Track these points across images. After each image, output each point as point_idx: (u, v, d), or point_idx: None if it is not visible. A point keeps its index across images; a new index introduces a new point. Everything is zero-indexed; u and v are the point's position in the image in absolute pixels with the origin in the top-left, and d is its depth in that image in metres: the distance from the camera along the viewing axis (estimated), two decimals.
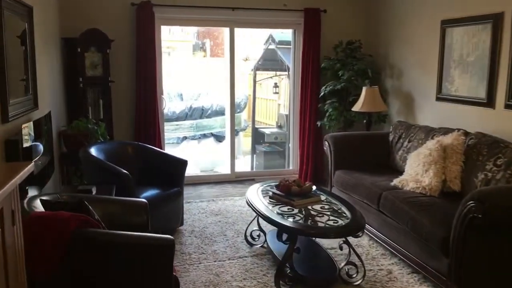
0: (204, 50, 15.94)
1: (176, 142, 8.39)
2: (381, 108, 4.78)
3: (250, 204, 3.30)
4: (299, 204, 3.10)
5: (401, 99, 4.90)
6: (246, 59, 7.87)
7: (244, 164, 8.05)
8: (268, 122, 9.95)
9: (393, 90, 5.02)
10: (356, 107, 4.81)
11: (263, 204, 3.20)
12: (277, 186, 3.31)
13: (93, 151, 3.66)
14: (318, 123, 5.35)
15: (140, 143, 4.20)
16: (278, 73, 7.60)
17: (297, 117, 5.65)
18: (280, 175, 5.71)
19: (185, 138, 8.35)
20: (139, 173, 3.94)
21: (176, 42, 14.18)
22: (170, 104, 8.49)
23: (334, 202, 3.26)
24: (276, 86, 7.93)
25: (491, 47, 3.56)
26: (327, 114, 5.21)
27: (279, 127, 7.61)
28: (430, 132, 3.83)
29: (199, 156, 8.43)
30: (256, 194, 3.46)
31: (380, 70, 5.21)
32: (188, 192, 5.03)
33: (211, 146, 8.70)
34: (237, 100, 9.14)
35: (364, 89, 4.77)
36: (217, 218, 4.29)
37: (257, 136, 7.86)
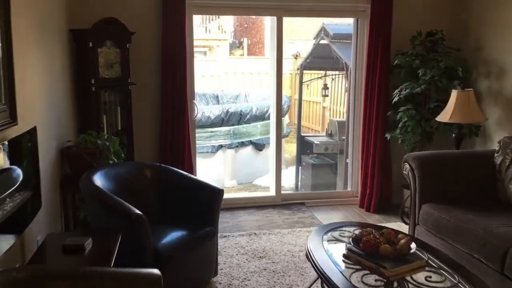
0: (242, 49, 15.05)
1: (210, 151, 7.44)
2: (478, 119, 3.62)
3: (314, 265, 2.25)
4: (395, 274, 2.02)
5: (503, 106, 3.72)
6: (297, 56, 6.83)
7: (287, 178, 7.02)
8: (314, 127, 8.89)
9: (491, 94, 3.84)
10: (443, 117, 3.68)
11: (335, 269, 2.14)
12: (355, 241, 2.24)
13: (97, 178, 2.73)
14: (388, 136, 4.23)
15: (162, 164, 3.23)
16: (331, 72, 6.52)
17: (359, 127, 4.56)
18: (336, 198, 4.67)
19: (220, 146, 7.39)
20: (159, 206, 2.99)
21: (212, 41, 13.33)
22: (204, 107, 7.57)
23: (444, 267, 2.16)
24: (326, 87, 6.84)
25: None
26: (400, 125, 4.09)
27: (330, 135, 6.52)
28: None
29: (237, 166, 7.48)
30: (321, 247, 2.40)
31: (471, 69, 4.05)
32: (224, 220, 4.05)
33: (250, 155, 7.72)
34: None
35: (454, 93, 3.63)
36: (262, 263, 3.27)
37: (303, 146, 6.81)
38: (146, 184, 3.00)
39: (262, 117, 7.73)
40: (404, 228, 3.90)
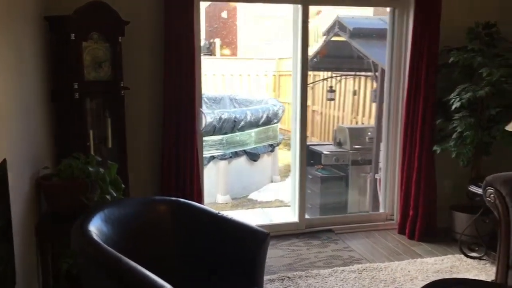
0: (234, 49, 14.34)
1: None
2: None
3: None
4: None
5: None
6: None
7: (285, 191, 6.27)
8: (313, 135, 8.16)
9: None
10: None
11: None
12: None
13: (96, 227, 1.86)
14: (437, 149, 3.52)
15: (180, 199, 2.35)
16: (346, 73, 5.79)
17: (395, 137, 3.84)
18: (367, 223, 3.92)
19: (212, 157, 6.54)
20: (183, 261, 2.14)
21: None
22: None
23: None
24: (331, 90, 6.11)
25: None
26: (454, 135, 3.39)
27: (339, 144, 5.77)
28: None
29: (230, 179, 6.65)
30: None
31: None
32: None
33: (244, 167, 6.91)
34: (273, 107, 7.42)
35: None
36: None
37: (308, 156, 6.06)
38: (163, 230, 2.15)
39: (256, 123, 6.94)
40: (465, 262, 3.21)
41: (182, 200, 2.34)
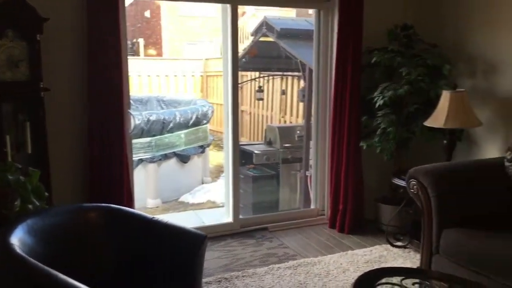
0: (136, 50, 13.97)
1: None
2: (474, 123, 3.22)
3: None
4: None
5: (494, 107, 3.38)
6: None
7: (217, 192, 6.25)
8: (242, 135, 8.19)
9: (476, 95, 3.47)
10: (435, 122, 3.22)
11: None
12: None
13: (18, 239, 1.71)
14: (363, 145, 3.69)
15: (111, 205, 2.24)
16: (271, 73, 5.86)
17: (324, 135, 3.97)
18: (300, 219, 4.01)
19: (141, 161, 6.33)
20: (118, 269, 2.04)
21: None
22: None
23: None
24: (260, 90, 6.17)
25: None
26: (378, 132, 3.57)
27: (269, 143, 5.85)
28: None
29: (160, 183, 6.48)
30: None
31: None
32: None
33: (174, 169, 6.77)
34: (202, 108, 7.35)
35: (446, 94, 3.19)
36: None
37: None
38: (95, 239, 2.03)
39: (186, 125, 6.84)
40: (392, 251, 3.39)
41: (113, 206, 2.22)
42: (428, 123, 3.27)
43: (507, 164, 2.85)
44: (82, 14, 2.94)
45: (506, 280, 2.23)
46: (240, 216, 3.88)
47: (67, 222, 2.03)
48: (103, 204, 2.21)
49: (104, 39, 2.93)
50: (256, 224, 3.90)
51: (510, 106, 3.23)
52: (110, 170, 3.04)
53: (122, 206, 2.92)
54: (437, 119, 3.20)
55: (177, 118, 6.60)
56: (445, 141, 3.31)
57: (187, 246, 2.08)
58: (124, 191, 3.09)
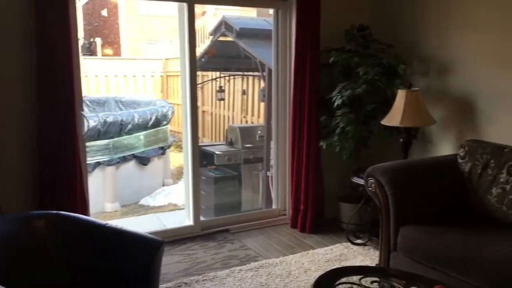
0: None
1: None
2: (428, 122, 3.30)
3: None
4: None
5: (447, 106, 3.47)
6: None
7: (179, 194, 6.15)
8: (204, 136, 8.10)
9: (430, 94, 3.55)
10: (391, 120, 3.27)
11: None
12: None
13: None
14: (323, 144, 3.71)
15: (61, 212, 2.13)
16: (230, 73, 5.81)
17: (284, 134, 3.96)
18: (261, 220, 3.99)
19: (98, 164, 6.14)
20: (70, 279, 1.94)
21: None
22: None
23: None
24: (221, 90, 6.12)
25: None
26: (337, 131, 3.59)
27: (230, 144, 5.81)
28: None
29: (119, 186, 6.31)
30: None
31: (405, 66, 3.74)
32: None
33: (133, 171, 6.61)
34: (162, 109, 7.22)
35: (401, 93, 3.25)
36: None
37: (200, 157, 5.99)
38: (45, 250, 1.92)
39: (145, 126, 6.69)
40: (352, 249, 3.43)
41: (64, 213, 2.12)
42: (385, 121, 3.33)
43: (460, 161, 2.93)
44: (30, 11, 2.79)
45: (460, 275, 2.28)
46: (201, 219, 3.81)
47: (14, 232, 1.92)
48: (53, 212, 2.10)
49: (53, 37, 2.80)
50: (218, 226, 3.84)
51: (462, 105, 3.33)
52: (62, 175, 2.90)
53: (76, 212, 2.83)
54: (394, 118, 3.26)
55: (136, 119, 6.45)
56: (401, 139, 3.37)
57: (143, 252, 2.00)
58: (77, 197, 2.97)
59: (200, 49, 6.11)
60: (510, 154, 2.69)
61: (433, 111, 3.43)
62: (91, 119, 5.96)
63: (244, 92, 6.12)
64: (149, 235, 2.06)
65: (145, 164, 6.71)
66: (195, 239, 3.66)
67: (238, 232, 3.81)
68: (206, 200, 5.20)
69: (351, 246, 3.49)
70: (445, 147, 3.46)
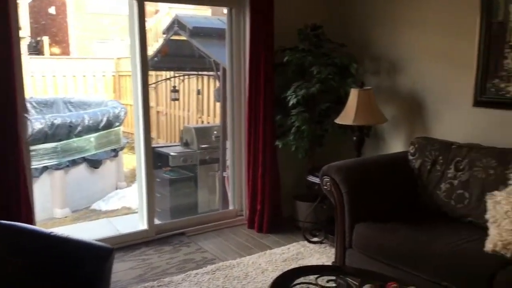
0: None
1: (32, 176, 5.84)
2: (380, 120, 3.36)
3: None
4: None
5: (397, 104, 3.55)
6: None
7: (133, 197, 5.97)
8: (159, 137, 7.93)
9: (383, 92, 3.63)
10: (344, 119, 3.31)
11: None
12: None
13: None
14: (279, 144, 3.70)
15: (3, 222, 1.99)
16: (186, 72, 5.70)
17: (240, 134, 3.93)
18: (219, 221, 3.94)
19: (45, 168, 5.86)
20: None
21: None
22: None
23: None
24: (175, 90, 6.00)
25: None
26: (293, 130, 3.60)
27: (186, 145, 5.71)
28: (507, 156, 2.52)
29: (68, 191, 6.06)
30: None
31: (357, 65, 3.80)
32: None
33: (84, 175, 6.36)
34: (114, 110, 7.00)
35: (354, 92, 3.29)
36: None
37: (154, 159, 5.85)
38: None
39: (96, 128, 6.46)
40: (309, 247, 3.44)
41: (4, 222, 1.98)
42: (339, 120, 3.36)
43: (410, 158, 3.01)
44: None
45: (413, 270, 2.33)
46: (156, 222, 3.71)
47: None
48: None
49: None
50: (173, 229, 3.75)
51: (411, 103, 3.42)
52: (4, 181, 2.73)
53: (21, 218, 2.68)
54: (347, 116, 3.30)
55: (86, 121, 6.21)
56: (354, 138, 3.42)
57: (91, 261, 1.90)
58: (21, 204, 2.80)
59: (153, 48, 5.96)
60: (457, 150, 2.79)
61: (384, 109, 3.51)
62: (37, 121, 5.70)
63: (199, 92, 6.04)
64: (97, 243, 1.96)
65: (97, 167, 6.47)
66: (149, 243, 3.56)
67: (194, 235, 3.74)
68: (161, 202, 5.08)
69: (308, 244, 3.51)
70: (396, 145, 3.55)
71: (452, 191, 2.70)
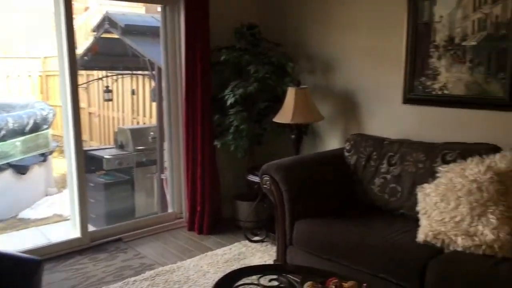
0: None
1: None
2: (317, 118, 3.42)
3: None
4: None
5: (332, 102, 3.63)
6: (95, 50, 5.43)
7: (65, 204, 5.68)
8: (92, 139, 7.58)
9: (318, 91, 3.70)
10: (282, 118, 3.34)
11: None
12: None
13: None
14: (217, 143, 3.66)
15: None
16: (118, 72, 5.49)
17: (178, 135, 3.85)
18: (158, 225, 3.84)
19: None
20: None
21: None
22: None
23: None
24: (108, 90, 5.76)
25: None
26: (231, 130, 3.57)
27: (121, 147, 5.50)
28: (434, 150, 2.66)
29: None
30: None
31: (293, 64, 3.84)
32: None
33: (10, 182, 5.93)
34: (41, 112, 6.59)
35: (291, 91, 3.33)
36: None
37: (87, 163, 5.59)
38: None
39: (22, 131, 6.05)
40: (250, 247, 3.44)
41: None
42: (277, 119, 3.38)
43: (346, 154, 3.09)
44: None
45: (352, 264, 2.39)
46: (90, 229, 3.54)
47: None
48: None
49: None
50: (109, 235, 3.60)
51: (345, 101, 3.52)
52: None
53: None
54: (285, 115, 3.32)
55: (10, 124, 5.79)
56: (293, 136, 3.46)
57: (18, 275, 1.77)
58: None
59: (84, 47, 5.67)
60: (389, 146, 2.90)
61: (321, 108, 3.58)
62: None
63: (133, 92, 5.84)
64: (23, 255, 1.83)
65: (24, 173, 6.07)
66: (84, 252, 3.38)
67: (132, 240, 3.61)
68: (96, 208, 4.86)
69: (249, 243, 3.50)
70: (333, 142, 3.63)
71: (385, 185, 2.80)
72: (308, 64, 3.74)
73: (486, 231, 2.12)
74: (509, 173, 2.21)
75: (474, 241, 2.13)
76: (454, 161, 2.49)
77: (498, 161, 2.28)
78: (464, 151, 2.51)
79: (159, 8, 3.78)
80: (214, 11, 3.63)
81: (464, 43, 2.77)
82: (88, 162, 5.46)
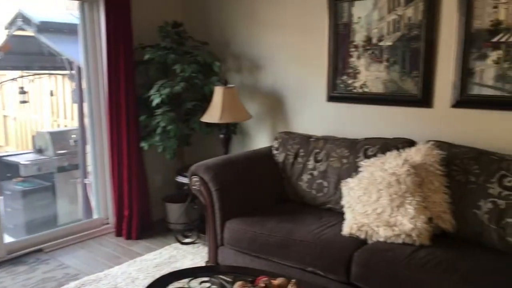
0: None
1: None
2: (245, 117, 3.42)
3: None
4: None
5: (260, 101, 3.66)
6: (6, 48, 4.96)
7: None
8: (7, 144, 7.03)
9: (246, 90, 3.71)
10: (211, 117, 3.31)
11: None
12: None
13: None
14: (144, 145, 3.55)
15: None
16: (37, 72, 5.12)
17: (101, 138, 3.69)
18: (82, 233, 3.68)
19: None
20: None
21: None
22: None
23: None
24: (23, 92, 5.37)
25: (426, 25, 2.72)
26: (158, 130, 3.48)
27: (39, 151, 5.17)
28: (356, 145, 2.77)
29: None
30: None
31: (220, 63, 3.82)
32: None
33: None
34: None
35: (219, 90, 3.31)
36: None
37: (2, 169, 5.19)
38: None
39: None
40: (182, 249, 3.38)
41: None
42: (205, 118, 3.35)
43: (274, 152, 3.14)
44: None
45: (282, 259, 2.43)
46: (7, 241, 3.29)
47: None
48: None
49: None
50: (28, 246, 3.37)
51: (273, 100, 3.56)
52: None
53: None
54: (213, 114, 3.30)
55: None
56: (221, 135, 3.45)
57: None
58: None
59: None
60: (315, 143, 2.98)
61: (249, 106, 3.60)
62: None
63: (52, 93, 5.50)
64: None
65: None
66: (0, 265, 3.14)
67: (54, 250, 3.41)
68: (13, 218, 4.53)
69: (181, 246, 3.44)
70: (262, 140, 3.67)
71: (312, 181, 2.88)
72: (235, 63, 3.74)
73: (405, 221, 2.24)
74: (424, 165, 2.36)
75: (394, 231, 2.25)
76: (375, 155, 2.61)
77: (413, 154, 2.42)
78: (383, 145, 2.65)
79: (76, 4, 3.60)
80: (137, 8, 3.53)
81: (380, 43, 2.91)
82: (3, 169, 5.08)
